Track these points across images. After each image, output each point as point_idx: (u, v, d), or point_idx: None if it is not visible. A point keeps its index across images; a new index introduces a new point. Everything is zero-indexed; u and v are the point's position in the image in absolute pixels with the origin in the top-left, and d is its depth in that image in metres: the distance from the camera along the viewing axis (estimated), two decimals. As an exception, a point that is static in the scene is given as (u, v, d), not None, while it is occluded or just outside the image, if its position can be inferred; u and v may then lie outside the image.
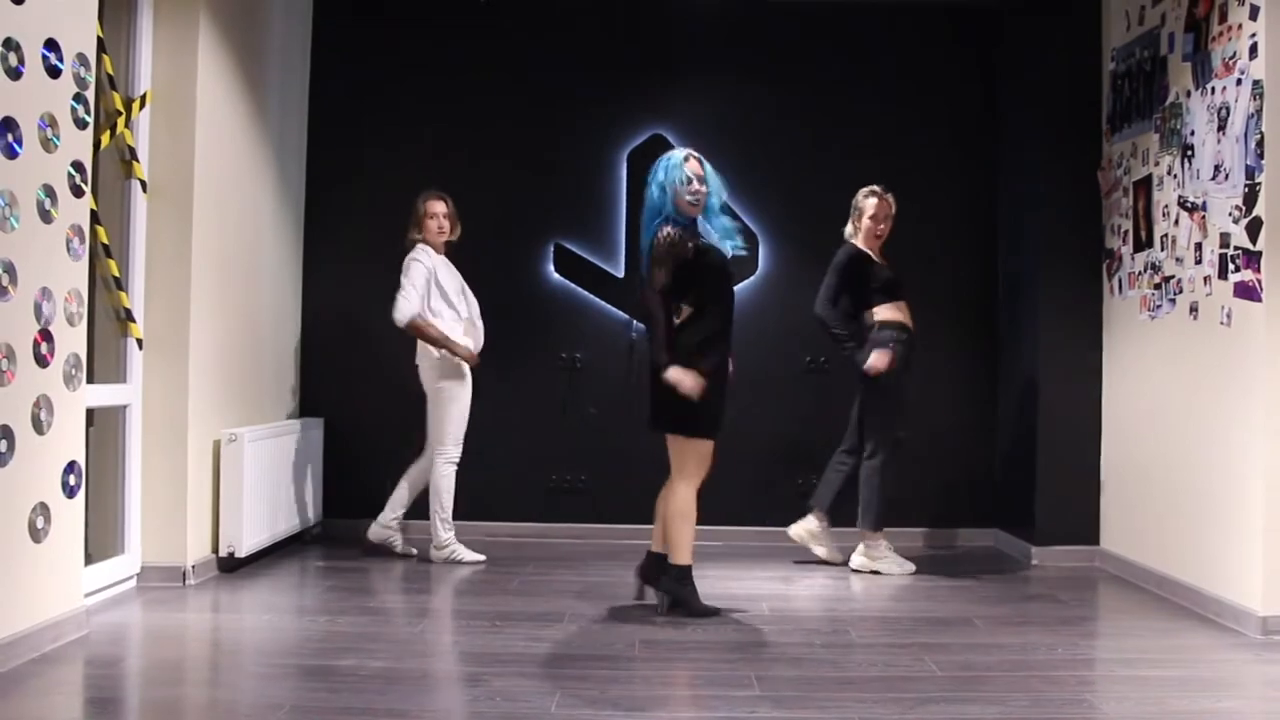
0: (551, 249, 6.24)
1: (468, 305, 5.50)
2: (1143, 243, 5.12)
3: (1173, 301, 4.82)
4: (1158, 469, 4.96)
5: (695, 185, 4.29)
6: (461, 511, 6.09)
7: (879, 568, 5.26)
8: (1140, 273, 5.14)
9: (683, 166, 4.31)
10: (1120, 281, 5.37)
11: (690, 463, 4.30)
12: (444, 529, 5.41)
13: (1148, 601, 4.73)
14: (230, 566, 5.08)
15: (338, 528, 6.06)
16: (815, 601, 4.73)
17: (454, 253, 5.75)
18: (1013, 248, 6.08)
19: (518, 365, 6.19)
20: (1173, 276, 4.82)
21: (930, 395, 6.19)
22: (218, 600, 4.59)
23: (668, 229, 4.24)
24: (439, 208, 5.44)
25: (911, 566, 5.29)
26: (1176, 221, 4.78)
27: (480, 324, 5.54)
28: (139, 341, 4.73)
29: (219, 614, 4.41)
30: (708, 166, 4.39)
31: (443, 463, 5.39)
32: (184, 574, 4.78)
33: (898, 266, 5.42)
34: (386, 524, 5.52)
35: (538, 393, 6.21)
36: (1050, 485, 5.61)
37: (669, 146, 6.16)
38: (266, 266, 5.78)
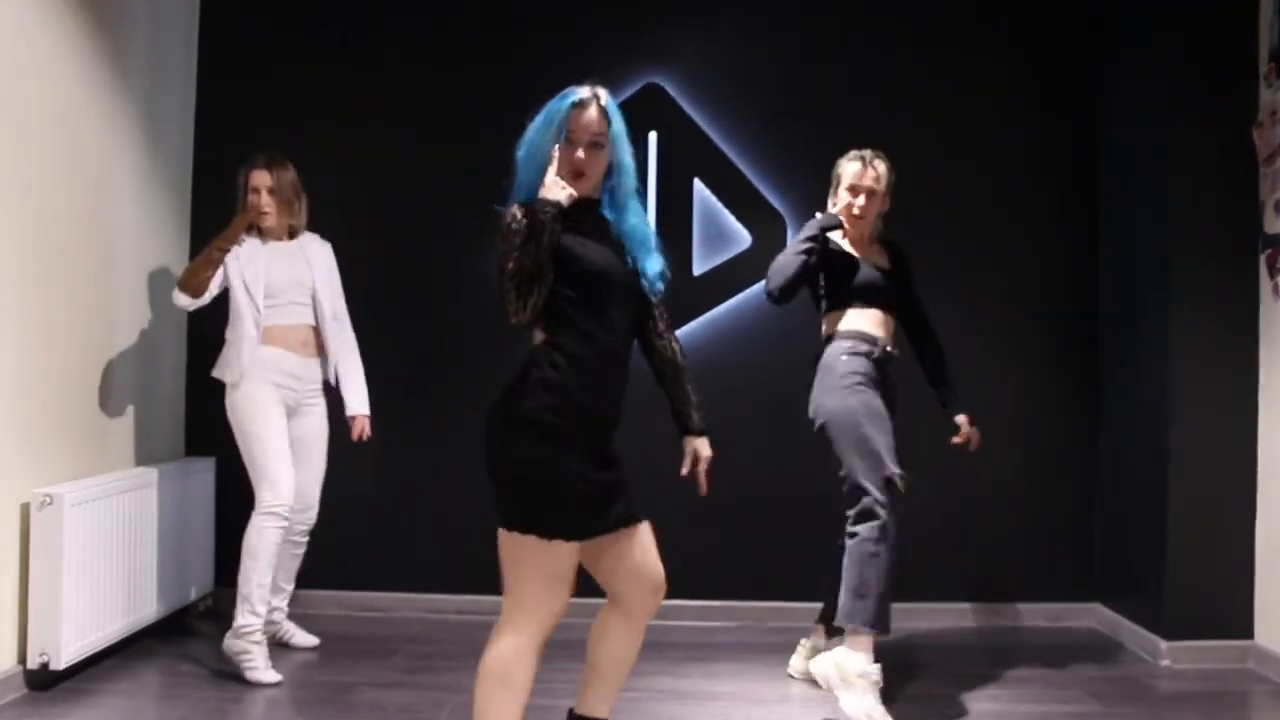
0: (512, 234, 4.77)
1: (306, 307, 4.06)
2: (1336, 224, 3.64)
3: (1396, 309, 3.33)
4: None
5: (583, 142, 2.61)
6: (396, 581, 4.73)
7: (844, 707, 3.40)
8: (1332, 267, 3.66)
9: (568, 115, 2.60)
10: (1293, 279, 3.89)
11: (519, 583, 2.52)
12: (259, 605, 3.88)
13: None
14: (43, 683, 3.59)
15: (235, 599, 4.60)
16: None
17: (383, 245, 4.52)
18: (1125, 234, 4.58)
19: (466, 386, 4.70)
20: (1398, 272, 3.34)
21: (1007, 428, 4.71)
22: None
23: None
24: (264, 179, 4.00)
25: None
26: (1407, 192, 3.30)
27: (336, 341, 4.13)
28: (-110, 367, 3.25)
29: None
30: (617, 120, 2.66)
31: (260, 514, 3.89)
32: (-40, 703, 3.31)
33: (918, 265, 3.92)
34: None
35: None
36: (1184, 555, 4.12)
37: (668, 99, 4.74)
38: (129, 254, 4.28)
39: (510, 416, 2.54)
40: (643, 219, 2.72)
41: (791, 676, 3.92)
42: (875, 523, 3.43)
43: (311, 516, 4.15)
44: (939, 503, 4.53)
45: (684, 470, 2.75)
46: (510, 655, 2.48)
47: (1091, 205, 4.79)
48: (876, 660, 3.41)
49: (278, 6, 4.84)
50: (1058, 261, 4.81)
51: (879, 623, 3.42)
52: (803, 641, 3.96)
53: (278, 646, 4.08)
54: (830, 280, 3.74)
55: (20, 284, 3.57)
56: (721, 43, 4.80)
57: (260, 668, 3.78)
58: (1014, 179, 4.80)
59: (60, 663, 3.55)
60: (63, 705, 3.48)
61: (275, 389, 3.96)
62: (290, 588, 4.27)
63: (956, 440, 3.85)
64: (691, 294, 4.71)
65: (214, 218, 4.64)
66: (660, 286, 2.72)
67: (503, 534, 2.50)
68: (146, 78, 4.39)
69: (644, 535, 2.66)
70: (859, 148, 3.81)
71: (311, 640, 4.24)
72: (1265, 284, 4.06)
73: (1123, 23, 4.59)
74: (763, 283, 4.75)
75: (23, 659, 3.56)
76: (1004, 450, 4.72)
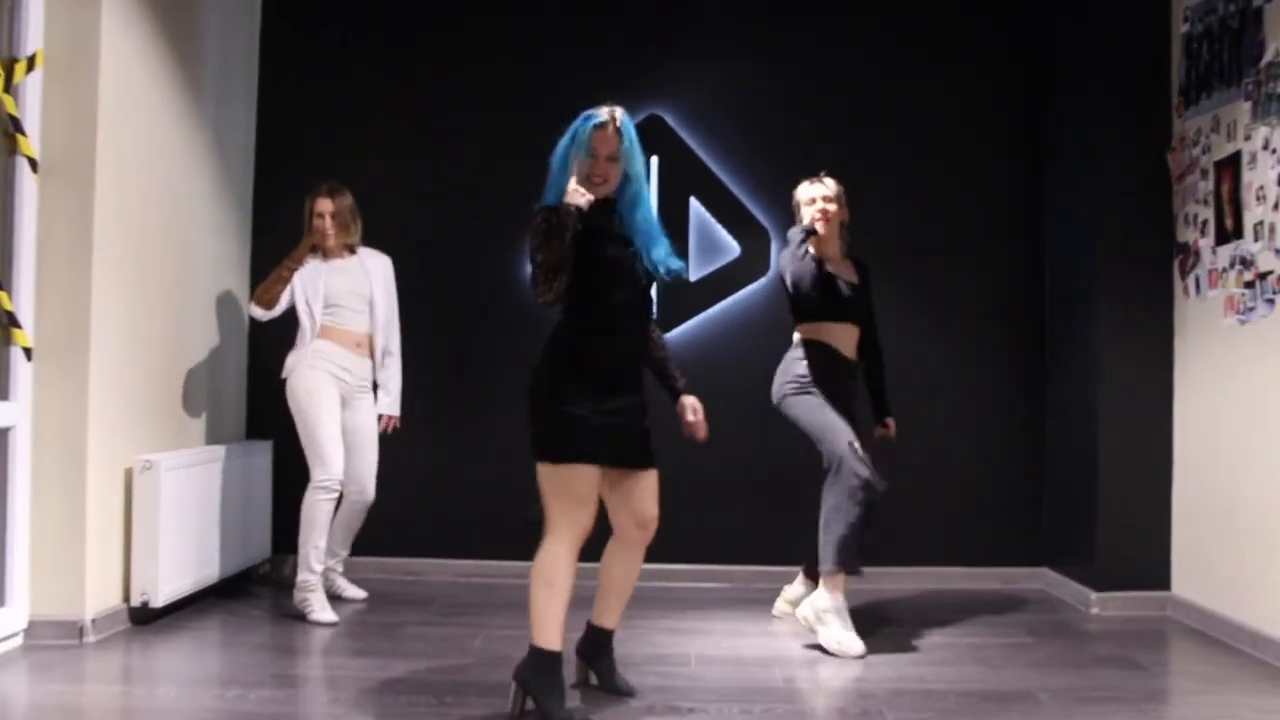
0: (532, 246, 5.43)
1: (362, 314, 4.71)
2: (1228, 233, 4.30)
3: (1270, 302, 4.00)
4: (1250, 502, 4.14)
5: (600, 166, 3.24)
6: (430, 549, 5.38)
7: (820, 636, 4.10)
8: (1226, 269, 4.32)
9: (590, 134, 3.22)
10: (1198, 280, 4.55)
11: (551, 502, 3.22)
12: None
13: (1246, 666, 3.89)
14: (144, 618, 4.28)
15: (290, 565, 5.26)
16: (840, 666, 3.90)
17: (420, 254, 5.17)
18: (1064, 244, 5.26)
19: (489, 376, 5.38)
20: (1271, 272, 4.00)
21: (967, 415, 5.39)
22: (114, 665, 3.78)
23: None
24: (326, 206, 4.65)
25: (859, 648, 4.00)
26: (1276, 206, 3.97)
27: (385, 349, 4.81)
28: (27, 351, 3.94)
29: (105, 685, 3.57)
30: (630, 136, 3.26)
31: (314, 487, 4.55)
32: (81, 629, 3.98)
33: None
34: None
35: (513, 408, 5.37)
36: (1112, 520, 4.78)
37: (667, 129, 5.42)
38: (203, 263, 4.99)
39: (536, 368, 3.28)
40: (650, 215, 3.38)
41: (775, 616, 4.60)
42: (848, 482, 4.08)
43: (368, 497, 4.79)
44: (910, 481, 5.17)
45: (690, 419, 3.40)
46: (549, 559, 3.16)
47: (1040, 224, 5.46)
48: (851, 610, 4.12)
49: (333, 21, 5.50)
50: (1014, 268, 5.46)
51: (846, 563, 4.08)
52: (785, 589, 4.64)
53: (331, 598, 4.74)
54: (808, 294, 4.26)
55: (125, 294, 4.28)
56: (715, 80, 5.47)
57: (318, 609, 4.44)
58: (975, 202, 5.44)
59: (158, 601, 4.24)
60: (163, 634, 4.17)
61: (329, 378, 4.61)
62: (345, 553, 4.93)
63: (879, 432, 4.53)
64: (688, 298, 5.38)
65: (270, 221, 5.38)
66: (674, 265, 3.35)
67: (538, 465, 3.18)
68: (216, 100, 5.09)
69: (645, 480, 3.34)
70: (836, 169, 4.48)
71: (360, 593, 4.90)
72: (1179, 285, 4.73)
73: (1066, 63, 5.26)
74: (751, 286, 5.46)
75: (126, 598, 4.25)
76: (967, 436, 5.39)
